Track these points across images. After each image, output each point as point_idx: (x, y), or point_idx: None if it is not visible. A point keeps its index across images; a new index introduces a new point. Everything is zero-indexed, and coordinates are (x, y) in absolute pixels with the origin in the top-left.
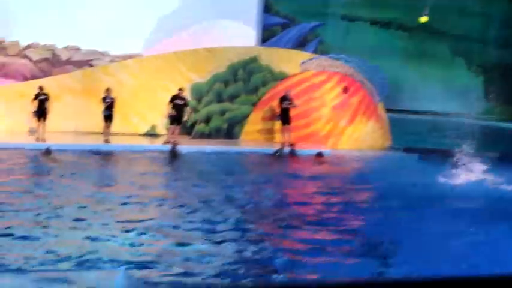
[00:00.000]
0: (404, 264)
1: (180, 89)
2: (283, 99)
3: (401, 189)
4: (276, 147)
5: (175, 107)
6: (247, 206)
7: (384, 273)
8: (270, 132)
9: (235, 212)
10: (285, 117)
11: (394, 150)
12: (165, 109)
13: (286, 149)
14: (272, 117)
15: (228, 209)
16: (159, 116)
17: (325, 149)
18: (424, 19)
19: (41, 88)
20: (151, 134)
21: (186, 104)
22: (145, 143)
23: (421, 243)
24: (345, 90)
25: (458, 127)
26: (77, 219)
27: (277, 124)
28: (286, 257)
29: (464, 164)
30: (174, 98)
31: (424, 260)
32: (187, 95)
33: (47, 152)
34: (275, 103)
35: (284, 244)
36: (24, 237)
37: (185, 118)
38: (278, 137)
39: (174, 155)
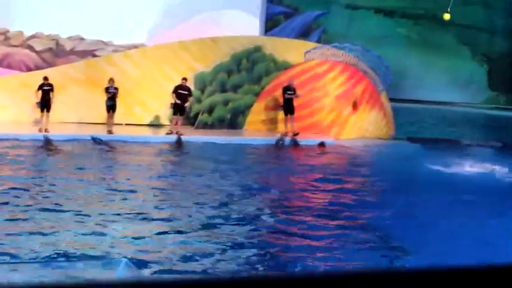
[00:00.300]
0: (412, 254)
1: (184, 79)
2: (287, 89)
3: (404, 178)
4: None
5: (179, 97)
6: (249, 197)
7: (391, 263)
8: (273, 122)
9: (239, 203)
10: (288, 107)
11: (397, 139)
12: (169, 99)
13: (288, 139)
14: (275, 107)
15: (231, 199)
16: (162, 106)
17: (328, 139)
18: (447, 16)
19: (45, 78)
20: (155, 125)
21: (190, 94)
22: (149, 133)
23: (427, 233)
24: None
25: (462, 116)
26: (79, 210)
27: (281, 114)
28: (290, 247)
29: (467, 153)
30: (177, 88)
31: (431, 249)
32: (190, 84)
33: (48, 142)
34: (278, 93)
35: (286, 234)
36: (27, 228)
37: (186, 104)
38: (281, 127)
39: (178, 145)
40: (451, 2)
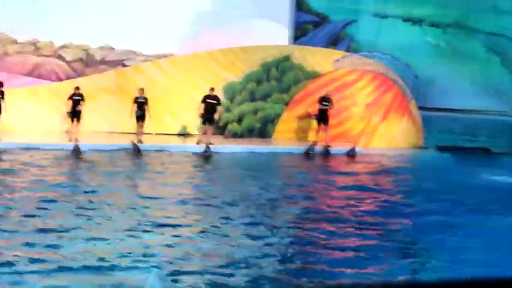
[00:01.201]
0: (440, 266)
1: (212, 88)
2: (323, 99)
3: (436, 188)
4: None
5: (208, 106)
6: (278, 206)
7: (417, 275)
8: (302, 131)
9: (268, 212)
10: (322, 117)
11: (426, 148)
12: (197, 109)
13: (319, 148)
14: (308, 116)
15: (261, 208)
16: (192, 116)
17: (358, 148)
18: None
19: (77, 88)
20: (184, 134)
21: (218, 103)
22: (178, 143)
23: (459, 246)
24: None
25: (492, 125)
26: (110, 219)
27: (310, 123)
28: (319, 256)
29: (498, 162)
30: (206, 98)
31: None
32: (220, 94)
33: (77, 151)
34: (308, 102)
35: (318, 244)
36: (60, 237)
37: (216, 116)
38: (311, 136)
39: (207, 155)
40: None
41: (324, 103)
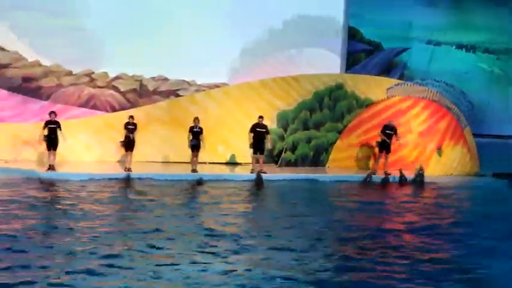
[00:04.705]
0: None
1: (261, 117)
2: (386, 127)
3: (495, 217)
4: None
5: (257, 135)
6: (338, 236)
7: None
8: (356, 159)
9: (324, 241)
10: (385, 145)
11: (482, 175)
12: (248, 138)
13: (378, 176)
14: (367, 144)
15: (317, 238)
16: (245, 145)
17: (411, 176)
18: None
19: (131, 117)
20: (237, 163)
21: (267, 132)
22: (232, 171)
23: None
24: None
25: None
26: (162, 249)
27: (365, 151)
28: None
29: None
30: (255, 127)
31: None
32: (273, 122)
33: (131, 181)
34: (363, 130)
35: (378, 274)
36: (110, 267)
37: (269, 146)
38: (366, 164)
39: (260, 184)
40: None
41: (388, 131)
